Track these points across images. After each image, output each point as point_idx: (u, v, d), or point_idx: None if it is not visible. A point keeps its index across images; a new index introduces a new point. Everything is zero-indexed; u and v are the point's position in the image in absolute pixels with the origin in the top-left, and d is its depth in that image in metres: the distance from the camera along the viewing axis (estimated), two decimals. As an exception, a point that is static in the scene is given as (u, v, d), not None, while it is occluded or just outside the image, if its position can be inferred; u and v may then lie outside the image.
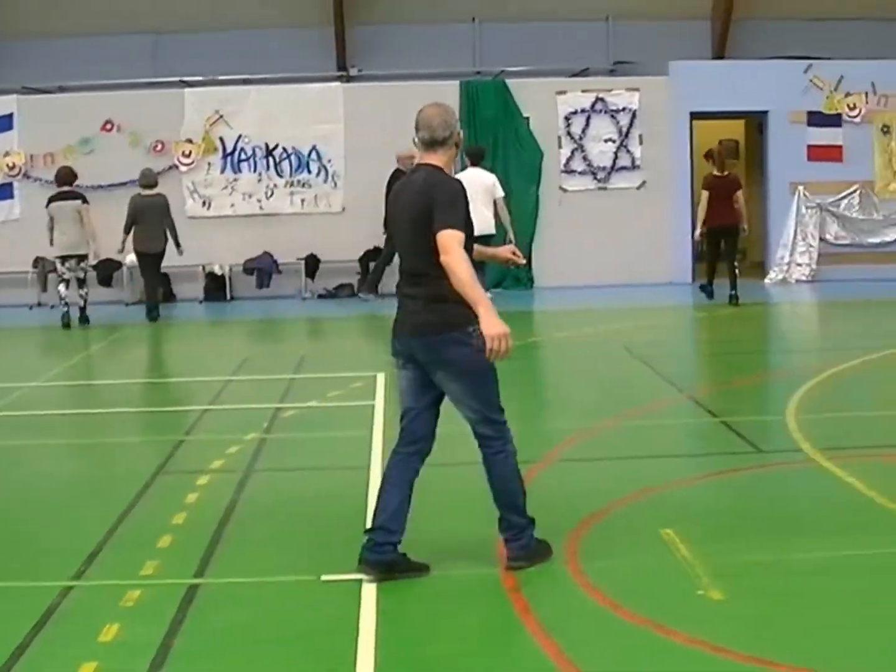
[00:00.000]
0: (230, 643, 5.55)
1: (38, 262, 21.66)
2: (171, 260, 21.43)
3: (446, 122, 6.44)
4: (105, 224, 20.30)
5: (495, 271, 21.49)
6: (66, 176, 19.18)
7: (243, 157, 22.19)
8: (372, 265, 21.77)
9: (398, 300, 6.59)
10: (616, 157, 22.32)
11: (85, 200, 18.96)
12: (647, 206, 20.57)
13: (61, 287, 18.89)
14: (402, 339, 6.48)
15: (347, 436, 10.06)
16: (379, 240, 21.55)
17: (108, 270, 21.58)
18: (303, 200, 22.33)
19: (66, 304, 18.60)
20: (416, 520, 7.07)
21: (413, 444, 6.53)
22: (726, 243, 18.75)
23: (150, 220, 19.16)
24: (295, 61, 23.85)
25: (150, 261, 19.50)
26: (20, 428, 11.32)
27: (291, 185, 22.31)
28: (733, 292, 18.67)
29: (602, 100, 22.52)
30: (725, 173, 18.69)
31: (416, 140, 6.50)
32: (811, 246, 22.58)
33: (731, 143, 27.39)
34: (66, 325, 18.58)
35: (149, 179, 19.48)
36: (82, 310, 18.90)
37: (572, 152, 22.54)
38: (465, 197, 6.35)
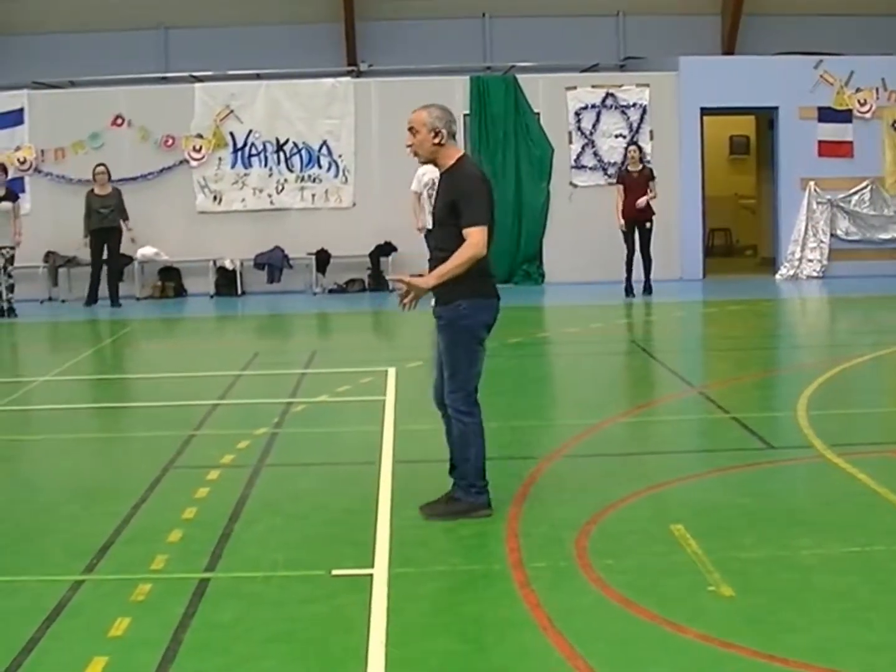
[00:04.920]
0: (240, 638, 5.54)
1: (49, 256, 21.71)
2: (182, 255, 21.57)
3: None
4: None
5: (506, 266, 21.52)
6: None
7: (253, 152, 22.20)
8: (383, 260, 21.77)
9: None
10: (626, 153, 22.30)
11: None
12: (657, 201, 20.46)
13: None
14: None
15: (358, 431, 10.07)
16: (389, 234, 21.56)
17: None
18: (313, 195, 22.34)
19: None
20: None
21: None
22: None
23: None
24: (305, 56, 23.92)
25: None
26: (31, 422, 11.39)
27: (301, 179, 22.32)
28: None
29: (612, 95, 22.52)
30: (640, 168, 20.35)
31: (449, 133, 7.40)
32: (822, 242, 22.55)
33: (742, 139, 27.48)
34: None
35: None
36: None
37: (582, 148, 22.56)
38: None
